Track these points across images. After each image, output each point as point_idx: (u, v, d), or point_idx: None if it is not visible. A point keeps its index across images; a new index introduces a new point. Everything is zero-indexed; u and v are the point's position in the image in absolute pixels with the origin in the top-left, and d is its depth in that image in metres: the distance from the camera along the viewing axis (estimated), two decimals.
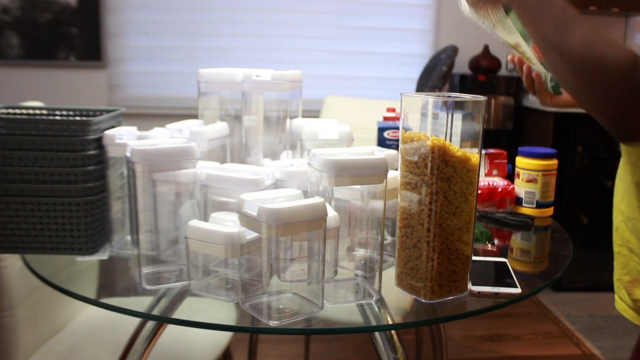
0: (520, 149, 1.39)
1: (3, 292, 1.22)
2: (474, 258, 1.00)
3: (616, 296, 1.03)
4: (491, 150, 1.50)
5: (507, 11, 0.93)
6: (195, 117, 1.30)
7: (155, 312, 0.86)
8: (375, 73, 3.42)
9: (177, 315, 0.86)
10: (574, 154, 3.01)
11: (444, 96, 0.88)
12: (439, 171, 0.85)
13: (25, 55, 3.15)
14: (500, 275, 1.00)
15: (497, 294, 0.93)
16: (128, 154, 0.93)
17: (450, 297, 0.92)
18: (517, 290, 0.94)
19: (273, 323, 0.80)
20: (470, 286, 0.93)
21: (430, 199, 0.86)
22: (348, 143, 1.20)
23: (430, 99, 0.86)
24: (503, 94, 3.23)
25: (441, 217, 0.86)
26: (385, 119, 1.57)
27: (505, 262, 1.05)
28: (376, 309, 0.88)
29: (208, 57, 3.29)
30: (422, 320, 1.02)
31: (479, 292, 0.93)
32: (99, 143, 1.05)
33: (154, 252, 0.97)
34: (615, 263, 1.02)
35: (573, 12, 0.82)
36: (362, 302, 0.89)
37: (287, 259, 0.84)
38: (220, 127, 1.21)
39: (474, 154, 0.88)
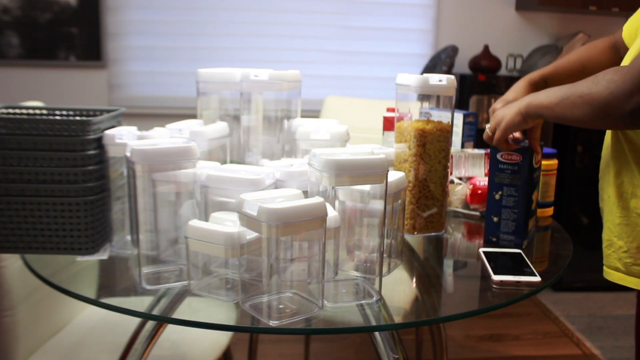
0: None
1: (3, 292, 1.22)
2: (490, 250, 1.10)
3: (607, 269, 1.09)
4: None
5: None
6: (195, 117, 1.30)
7: (155, 312, 0.86)
8: (375, 73, 3.42)
9: (177, 315, 0.86)
10: (574, 154, 3.01)
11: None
12: (417, 139, 1.15)
13: (25, 55, 3.15)
14: (518, 265, 1.03)
15: (518, 282, 0.96)
16: (128, 154, 0.93)
17: (428, 234, 1.19)
18: (537, 278, 0.97)
19: (273, 323, 0.80)
20: (492, 276, 0.97)
21: (411, 160, 1.16)
22: (342, 143, 1.20)
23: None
24: (503, 94, 3.22)
25: (418, 172, 1.16)
26: (386, 119, 1.57)
27: (520, 253, 1.09)
28: (376, 309, 0.88)
29: (208, 57, 3.29)
30: (422, 320, 1.02)
31: (501, 281, 0.96)
32: (99, 143, 1.05)
33: (154, 252, 0.97)
34: (620, 233, 1.06)
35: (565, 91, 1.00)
36: (362, 302, 0.89)
37: (287, 259, 0.84)
38: (220, 127, 1.20)
39: (445, 127, 1.16)
